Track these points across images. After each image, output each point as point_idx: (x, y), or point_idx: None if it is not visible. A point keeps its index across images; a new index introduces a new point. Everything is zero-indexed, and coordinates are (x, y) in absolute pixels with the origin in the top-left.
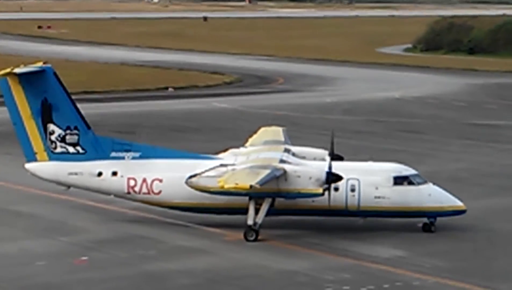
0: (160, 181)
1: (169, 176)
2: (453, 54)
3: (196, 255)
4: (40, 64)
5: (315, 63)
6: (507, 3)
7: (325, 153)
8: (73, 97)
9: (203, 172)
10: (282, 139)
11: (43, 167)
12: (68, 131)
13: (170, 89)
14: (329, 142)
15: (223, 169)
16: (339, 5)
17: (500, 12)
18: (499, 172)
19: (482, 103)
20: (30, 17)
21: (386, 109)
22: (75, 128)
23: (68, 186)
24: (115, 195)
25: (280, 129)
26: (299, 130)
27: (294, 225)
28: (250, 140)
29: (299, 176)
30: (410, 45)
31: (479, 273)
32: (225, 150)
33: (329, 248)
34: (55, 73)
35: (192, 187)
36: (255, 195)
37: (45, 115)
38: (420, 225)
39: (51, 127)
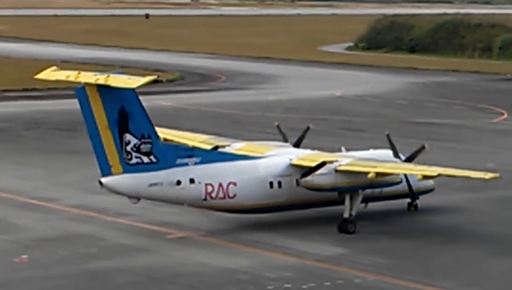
0: (235, 184)
1: (243, 178)
2: (395, 53)
3: (137, 253)
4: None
5: (257, 61)
6: (449, 2)
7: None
8: (13, 94)
9: (312, 171)
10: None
11: (121, 181)
12: (142, 140)
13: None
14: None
15: (332, 165)
16: (281, 3)
17: (441, 10)
18: None
19: (422, 102)
20: None
21: (328, 107)
22: (149, 136)
23: (139, 199)
24: (189, 204)
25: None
26: (242, 128)
27: (235, 222)
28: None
29: None
30: (352, 44)
31: (419, 270)
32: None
33: (270, 245)
34: None
35: (306, 186)
36: (356, 188)
37: (122, 125)
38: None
39: (127, 137)
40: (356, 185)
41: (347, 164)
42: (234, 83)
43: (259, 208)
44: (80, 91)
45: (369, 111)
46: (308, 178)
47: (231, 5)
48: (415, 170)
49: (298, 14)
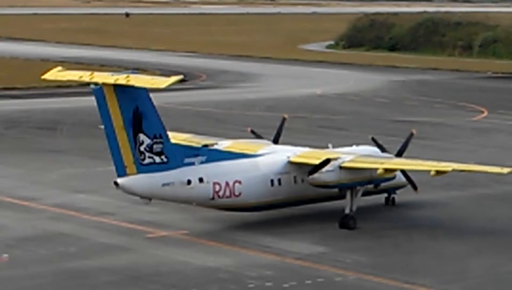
0: (240, 182)
1: (247, 176)
2: (375, 51)
3: (117, 252)
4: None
5: (238, 60)
6: (429, 0)
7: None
8: None
9: (317, 169)
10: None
11: (136, 181)
12: (155, 140)
13: (92, 86)
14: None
15: (336, 163)
16: (261, 1)
17: (421, 9)
18: None
19: (403, 100)
20: None
21: (308, 105)
22: (160, 136)
23: (150, 199)
24: (197, 204)
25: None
26: (223, 127)
27: (216, 220)
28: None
29: None
30: (332, 42)
31: (400, 268)
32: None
33: (251, 244)
34: None
35: (313, 183)
36: (357, 184)
37: (136, 125)
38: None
39: (141, 137)
40: (358, 181)
41: (351, 161)
42: (214, 81)
43: (261, 206)
44: (97, 91)
45: (349, 109)
46: (316, 175)
47: (211, 3)
48: (428, 166)
49: (279, 13)
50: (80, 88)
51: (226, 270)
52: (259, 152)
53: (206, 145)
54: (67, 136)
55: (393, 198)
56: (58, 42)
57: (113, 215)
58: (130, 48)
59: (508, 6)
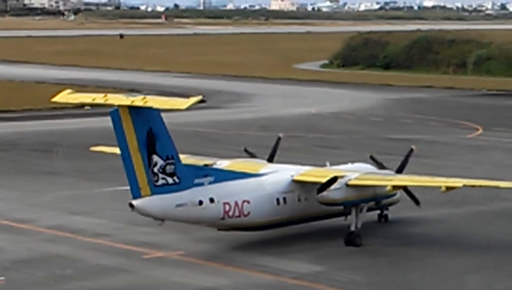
0: (248, 202)
1: (255, 196)
2: (369, 70)
3: (114, 273)
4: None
5: (232, 80)
6: (422, 18)
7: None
8: None
9: (325, 187)
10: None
11: (151, 202)
12: (167, 161)
13: (86, 107)
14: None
15: (343, 180)
16: (255, 21)
17: (415, 27)
18: None
19: (397, 118)
20: None
21: (303, 124)
22: (172, 157)
23: (163, 220)
24: (207, 225)
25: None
26: (218, 147)
27: (213, 240)
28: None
29: None
30: (326, 61)
31: (396, 286)
32: None
33: (248, 264)
34: None
35: (322, 201)
36: (362, 201)
37: (150, 146)
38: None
39: (155, 158)
40: (363, 198)
41: (357, 179)
42: (209, 101)
43: (267, 225)
44: (114, 113)
45: (344, 128)
46: (324, 193)
47: (205, 24)
48: (438, 182)
49: (273, 33)
50: (75, 110)
51: None
52: (261, 171)
53: (206, 165)
54: (63, 158)
55: (386, 215)
56: (53, 64)
57: (109, 237)
58: (125, 69)
59: (502, 24)
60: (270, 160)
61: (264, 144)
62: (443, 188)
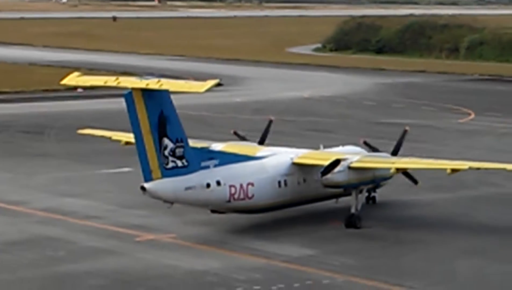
0: (252, 185)
1: (258, 178)
2: (362, 54)
3: (105, 256)
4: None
5: (226, 63)
6: (415, 3)
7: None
8: None
9: (328, 169)
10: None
11: (162, 185)
12: (177, 144)
13: (79, 90)
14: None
15: (345, 163)
16: (249, 5)
17: (408, 12)
18: None
19: (390, 102)
20: None
21: (296, 108)
22: (181, 140)
23: (172, 203)
24: (213, 207)
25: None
26: (210, 130)
27: (205, 223)
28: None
29: None
30: (319, 45)
31: (388, 270)
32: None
33: (240, 247)
34: None
35: (326, 184)
36: (363, 184)
37: (161, 129)
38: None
39: (165, 141)
40: (363, 180)
41: (359, 161)
42: None
43: (269, 207)
44: (127, 96)
45: (337, 112)
46: (329, 176)
47: (198, 7)
48: (443, 165)
49: (266, 16)
50: (68, 92)
51: (215, 273)
52: (258, 154)
53: (202, 148)
54: (55, 140)
55: (374, 197)
56: (46, 46)
57: (101, 219)
58: (118, 52)
59: (495, 9)
60: (261, 143)
61: (257, 127)
62: (449, 171)
